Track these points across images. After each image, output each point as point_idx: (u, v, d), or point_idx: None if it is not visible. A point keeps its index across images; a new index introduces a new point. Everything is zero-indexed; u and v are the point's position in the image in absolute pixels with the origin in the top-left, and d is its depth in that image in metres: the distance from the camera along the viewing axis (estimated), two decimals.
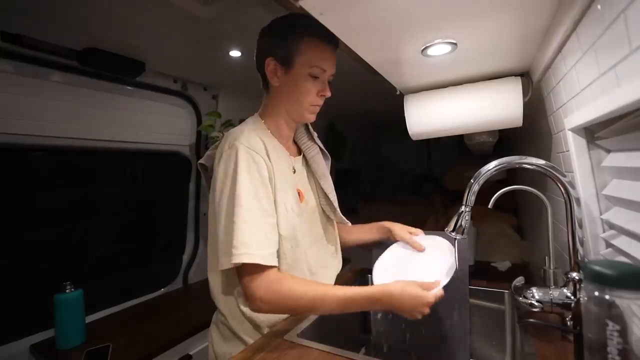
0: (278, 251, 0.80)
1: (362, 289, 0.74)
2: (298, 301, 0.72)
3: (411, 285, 0.73)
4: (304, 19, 0.78)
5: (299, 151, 0.97)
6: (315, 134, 1.01)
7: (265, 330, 0.82)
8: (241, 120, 1.98)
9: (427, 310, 0.72)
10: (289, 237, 0.82)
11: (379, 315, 1.03)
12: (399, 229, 0.99)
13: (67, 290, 1.25)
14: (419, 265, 0.94)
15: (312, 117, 0.88)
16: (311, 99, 0.84)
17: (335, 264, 0.99)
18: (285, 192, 0.83)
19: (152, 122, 1.65)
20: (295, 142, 0.97)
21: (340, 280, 1.08)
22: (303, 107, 0.85)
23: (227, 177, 0.75)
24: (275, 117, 0.88)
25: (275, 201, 0.80)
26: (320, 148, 1.00)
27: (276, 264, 0.74)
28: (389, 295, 0.72)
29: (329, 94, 0.85)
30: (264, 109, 0.90)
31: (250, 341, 0.81)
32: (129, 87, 1.51)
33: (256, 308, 0.74)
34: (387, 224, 1.02)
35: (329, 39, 0.81)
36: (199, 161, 0.90)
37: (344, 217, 0.98)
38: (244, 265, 0.71)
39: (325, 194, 0.95)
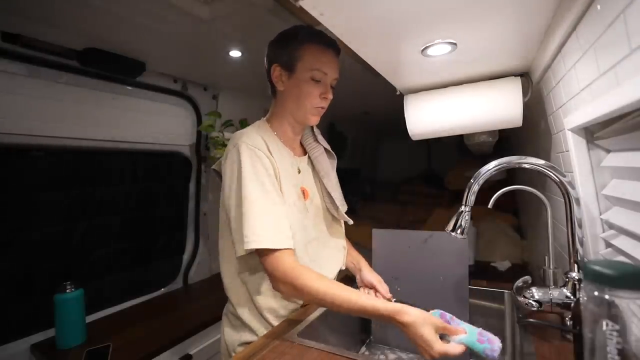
0: None
1: (376, 303, 0.71)
2: (309, 295, 0.75)
3: (426, 326, 0.65)
4: (307, 29, 0.87)
5: (305, 152, 1.01)
6: (320, 135, 1.04)
7: (272, 320, 0.86)
8: (241, 120, 1.99)
9: (429, 357, 0.64)
10: (291, 229, 0.85)
11: None
12: (369, 274, 0.99)
13: (67, 290, 1.25)
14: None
15: (315, 120, 0.92)
16: (313, 102, 0.88)
17: (339, 259, 1.02)
18: (288, 189, 0.88)
19: (152, 122, 1.65)
20: (301, 144, 1.01)
21: (341, 275, 1.08)
22: (306, 110, 0.89)
23: (233, 174, 0.81)
24: (281, 120, 0.93)
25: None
26: (325, 149, 1.04)
27: (290, 246, 0.79)
28: (400, 322, 0.68)
29: (330, 97, 0.89)
30: (271, 114, 0.95)
31: (259, 329, 0.86)
32: (129, 87, 1.51)
33: (275, 288, 0.80)
34: (363, 263, 1.04)
35: (329, 45, 0.87)
36: (212, 167, 0.97)
37: (345, 215, 1.02)
38: (262, 250, 0.77)
39: (329, 192, 0.98)
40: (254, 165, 0.80)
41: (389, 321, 0.69)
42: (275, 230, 0.78)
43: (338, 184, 1.04)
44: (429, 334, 0.64)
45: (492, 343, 0.63)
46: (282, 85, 0.88)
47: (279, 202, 0.81)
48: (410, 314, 0.67)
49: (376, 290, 0.94)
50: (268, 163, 0.82)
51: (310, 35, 0.86)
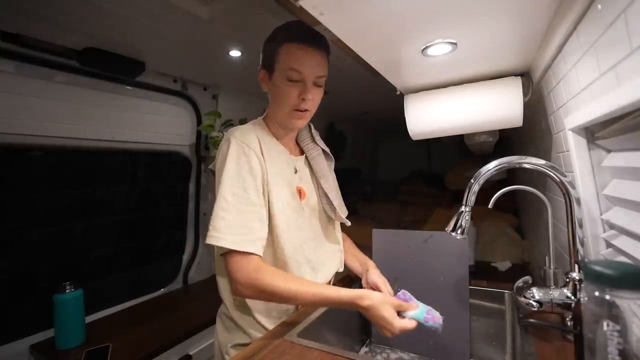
0: (276, 244, 0.84)
1: (339, 292, 0.76)
2: (274, 295, 0.75)
3: (385, 307, 0.73)
4: (287, 26, 0.83)
5: (303, 152, 1.00)
6: (317, 136, 1.03)
7: (264, 322, 0.85)
8: (241, 120, 1.99)
9: (390, 335, 0.73)
10: (285, 230, 0.84)
11: None
12: (374, 275, 0.95)
13: (67, 290, 1.25)
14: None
15: (298, 123, 0.87)
16: (292, 103, 0.83)
17: (335, 261, 1.01)
18: (281, 188, 0.86)
19: (152, 122, 1.65)
20: (298, 144, 1.00)
21: (338, 277, 1.08)
22: (286, 112, 0.85)
23: (220, 168, 0.80)
24: (272, 120, 0.92)
25: (269, 194, 0.83)
26: (323, 150, 1.02)
27: (255, 252, 0.76)
28: (361, 307, 0.74)
29: (310, 97, 0.82)
30: (266, 113, 0.94)
31: (250, 331, 0.85)
32: (129, 87, 1.51)
33: (235, 291, 0.76)
34: (370, 264, 1.00)
35: (307, 41, 0.80)
36: (209, 166, 0.95)
37: (343, 217, 1.00)
38: (227, 251, 0.75)
39: (326, 193, 0.96)
40: (239, 162, 0.78)
41: (352, 307, 0.75)
42: (242, 232, 0.75)
43: (337, 187, 1.03)
44: (388, 314, 0.72)
45: (435, 322, 0.76)
46: (266, 86, 0.87)
47: (257, 204, 0.78)
48: (371, 297, 0.74)
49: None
50: (255, 161, 0.80)
51: (287, 34, 0.81)
